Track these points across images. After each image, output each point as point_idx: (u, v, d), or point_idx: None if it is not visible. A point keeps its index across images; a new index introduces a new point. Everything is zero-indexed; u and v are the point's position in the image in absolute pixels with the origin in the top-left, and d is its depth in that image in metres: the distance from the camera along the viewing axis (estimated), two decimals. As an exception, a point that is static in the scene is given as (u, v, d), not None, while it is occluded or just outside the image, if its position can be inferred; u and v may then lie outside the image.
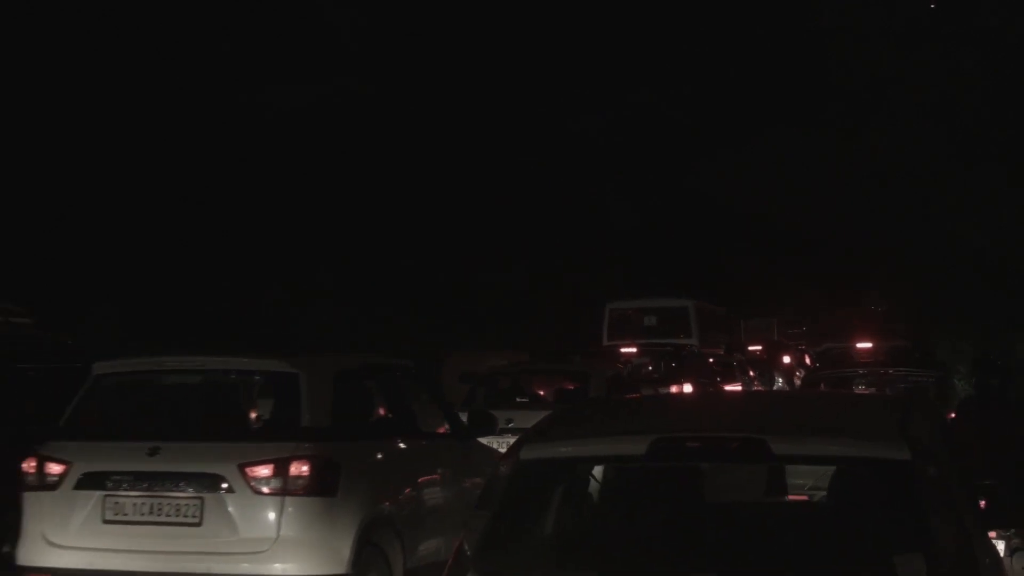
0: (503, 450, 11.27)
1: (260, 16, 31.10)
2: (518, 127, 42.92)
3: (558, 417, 6.56)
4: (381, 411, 10.24)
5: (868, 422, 6.06)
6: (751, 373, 34.02)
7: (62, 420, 9.27)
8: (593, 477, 6.31)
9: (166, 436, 8.86)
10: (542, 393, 16.44)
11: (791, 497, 7.79)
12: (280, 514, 8.49)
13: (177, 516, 8.59)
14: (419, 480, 9.94)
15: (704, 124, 51.86)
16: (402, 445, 9.93)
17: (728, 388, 26.38)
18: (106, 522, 8.71)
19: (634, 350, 26.28)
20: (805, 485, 8.20)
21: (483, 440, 11.45)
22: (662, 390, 21.14)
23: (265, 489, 8.52)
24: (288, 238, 32.65)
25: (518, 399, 15.60)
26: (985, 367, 11.53)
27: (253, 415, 9.57)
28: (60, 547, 8.78)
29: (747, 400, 9.68)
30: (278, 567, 8.49)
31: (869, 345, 28.90)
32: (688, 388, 23.43)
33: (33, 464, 8.97)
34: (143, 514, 8.66)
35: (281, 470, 8.51)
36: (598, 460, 5.99)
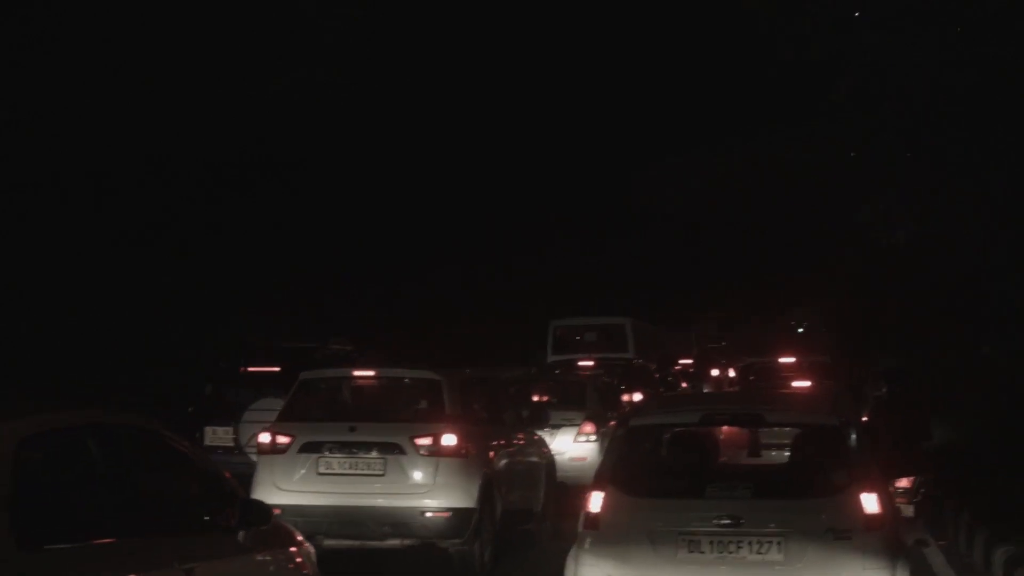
0: (549, 439, 17.53)
1: (236, 6, 31.29)
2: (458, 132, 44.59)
3: (647, 403, 12.47)
4: (480, 406, 15.94)
5: (815, 404, 11.84)
6: (683, 384, 39.72)
7: (283, 408, 14.98)
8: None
9: (360, 418, 14.61)
10: (546, 398, 22.18)
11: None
12: (436, 468, 14.15)
13: (368, 470, 14.22)
14: (506, 452, 15.70)
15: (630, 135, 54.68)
16: (496, 429, 15.73)
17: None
18: (319, 474, 14.30)
19: (591, 363, 31.91)
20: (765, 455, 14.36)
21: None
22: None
23: (426, 452, 14.18)
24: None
25: (535, 401, 21.32)
26: (892, 377, 17.53)
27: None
28: (287, 491, 14.33)
29: (744, 394, 15.97)
30: (434, 502, 14.14)
31: (792, 359, 33.67)
32: (639, 396, 28.89)
33: (268, 437, 14.61)
34: (345, 469, 14.27)
35: (436, 440, 14.20)
36: (673, 425, 10.91)
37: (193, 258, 31.29)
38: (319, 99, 34.08)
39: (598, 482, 10.08)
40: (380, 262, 41.16)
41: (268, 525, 8.46)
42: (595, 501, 9.87)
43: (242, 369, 20.87)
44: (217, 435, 19.57)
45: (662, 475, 10.55)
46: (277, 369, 19.85)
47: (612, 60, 50.57)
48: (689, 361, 45.82)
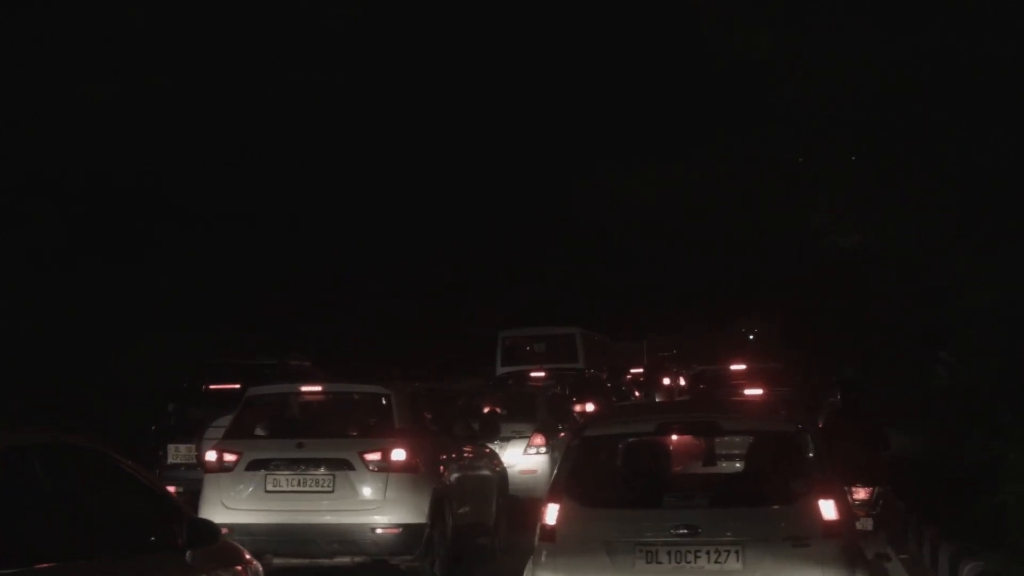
0: (499, 451, 17.53)
1: (235, 6, 31.51)
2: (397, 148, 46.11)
3: (603, 413, 12.49)
4: (430, 419, 15.91)
5: (771, 412, 12.02)
6: (636, 393, 39.80)
7: (229, 425, 14.91)
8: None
9: (307, 434, 14.56)
10: (498, 409, 22.17)
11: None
12: (385, 484, 14.11)
13: (317, 487, 14.17)
14: (457, 466, 15.67)
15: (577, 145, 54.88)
16: (446, 443, 15.70)
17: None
18: (267, 492, 14.26)
19: (542, 374, 31.90)
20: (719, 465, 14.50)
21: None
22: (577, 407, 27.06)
23: (375, 468, 14.14)
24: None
25: (485, 413, 21.33)
26: (848, 386, 17.60)
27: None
28: (235, 509, 14.26)
29: (699, 402, 16.17)
30: (384, 518, 14.10)
31: (743, 367, 33.62)
32: (591, 406, 28.90)
33: (214, 455, 14.54)
34: (293, 486, 14.22)
35: (386, 455, 14.17)
36: (628, 435, 11.04)
37: (193, 258, 31.67)
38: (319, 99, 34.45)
39: (553, 493, 10.13)
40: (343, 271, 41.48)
41: (216, 544, 8.49)
42: (551, 513, 9.93)
43: (204, 387, 22.30)
44: (180, 452, 20.50)
45: (618, 485, 10.61)
46: (238, 386, 19.96)
47: (556, 71, 50.81)
48: (640, 370, 45.89)
